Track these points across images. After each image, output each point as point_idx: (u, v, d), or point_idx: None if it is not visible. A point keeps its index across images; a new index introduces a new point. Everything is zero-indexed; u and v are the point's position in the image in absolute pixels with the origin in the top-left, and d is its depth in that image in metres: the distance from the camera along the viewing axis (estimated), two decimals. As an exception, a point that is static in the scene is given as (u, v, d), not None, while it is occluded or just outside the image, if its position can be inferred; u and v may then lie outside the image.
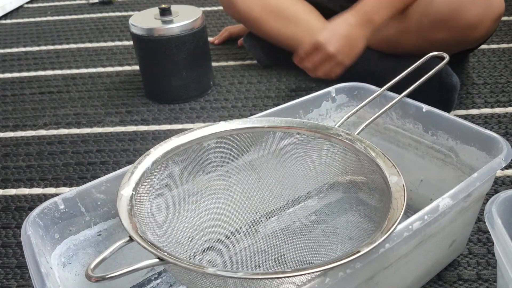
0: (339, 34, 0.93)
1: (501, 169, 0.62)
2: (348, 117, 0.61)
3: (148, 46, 1.02)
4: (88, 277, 0.39)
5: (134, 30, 1.03)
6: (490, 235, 0.66)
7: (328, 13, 1.12)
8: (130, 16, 1.56)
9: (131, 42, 1.38)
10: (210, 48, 1.11)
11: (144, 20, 1.03)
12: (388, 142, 0.70)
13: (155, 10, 1.05)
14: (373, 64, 1.00)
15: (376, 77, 0.97)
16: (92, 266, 0.39)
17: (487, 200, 0.50)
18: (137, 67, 1.24)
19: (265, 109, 0.77)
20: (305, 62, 0.96)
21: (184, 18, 1.02)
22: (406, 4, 0.94)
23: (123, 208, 0.46)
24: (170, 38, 1.01)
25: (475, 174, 0.52)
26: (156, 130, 0.98)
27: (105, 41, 1.41)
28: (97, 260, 0.40)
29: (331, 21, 0.96)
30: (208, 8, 1.61)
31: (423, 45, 0.93)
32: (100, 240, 0.55)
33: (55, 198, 0.52)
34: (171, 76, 1.05)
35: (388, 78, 0.66)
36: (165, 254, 0.41)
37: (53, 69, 1.27)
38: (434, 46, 0.84)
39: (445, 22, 0.89)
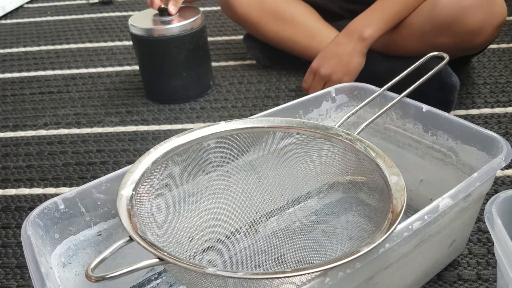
0: (329, 56, 0.97)
1: (501, 169, 0.62)
2: (348, 117, 0.61)
3: (148, 47, 1.02)
4: (88, 277, 0.39)
5: (133, 30, 1.02)
6: (490, 235, 0.66)
7: (327, 14, 1.12)
8: (130, 16, 1.56)
9: (131, 42, 1.38)
10: (210, 48, 1.11)
11: (143, 20, 1.03)
12: (388, 142, 0.70)
13: (155, 10, 1.05)
14: (374, 64, 1.00)
15: (376, 77, 0.97)
16: (92, 266, 0.39)
17: (487, 200, 0.50)
18: (137, 67, 1.24)
19: (265, 109, 0.77)
20: (309, 90, 1.00)
21: (184, 18, 1.02)
22: (400, 16, 0.95)
23: (123, 208, 0.46)
24: (169, 38, 1.00)
25: (475, 174, 0.52)
26: (156, 130, 0.98)
27: (105, 41, 1.41)
28: (97, 260, 0.40)
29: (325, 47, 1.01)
30: (208, 8, 1.61)
31: (425, 49, 0.93)
32: (100, 240, 0.55)
33: (55, 198, 0.52)
34: (171, 76, 1.05)
35: (388, 78, 0.66)
36: (165, 254, 0.41)
37: (53, 69, 1.27)
38: (436, 50, 0.84)
39: (448, 27, 0.90)
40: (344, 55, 0.96)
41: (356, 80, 0.89)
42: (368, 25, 0.94)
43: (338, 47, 0.97)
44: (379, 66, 1.00)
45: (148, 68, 1.07)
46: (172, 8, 1.01)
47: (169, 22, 1.01)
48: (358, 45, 0.95)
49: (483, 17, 0.88)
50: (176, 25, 1.01)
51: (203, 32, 1.06)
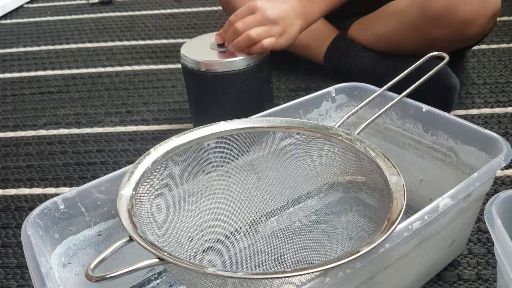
0: (281, 7, 0.84)
1: (501, 169, 0.62)
2: (348, 117, 0.61)
3: (207, 82, 0.82)
4: (88, 277, 0.39)
5: (188, 63, 0.84)
6: (490, 235, 0.66)
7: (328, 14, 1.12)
8: (130, 16, 1.56)
9: (131, 42, 1.38)
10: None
11: (198, 51, 0.85)
12: (388, 142, 0.70)
13: (210, 38, 0.88)
14: (373, 64, 1.00)
15: (376, 77, 0.97)
16: (92, 266, 0.39)
17: (487, 200, 0.50)
18: (137, 67, 1.24)
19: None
20: (237, 23, 0.84)
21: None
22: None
23: (123, 208, 0.46)
24: (234, 73, 0.82)
25: (475, 174, 0.52)
26: (156, 130, 0.98)
27: (105, 41, 1.41)
28: (97, 260, 0.40)
29: None
30: (208, 8, 1.61)
31: (420, 43, 0.93)
32: (100, 240, 0.55)
33: (55, 198, 0.52)
34: (223, 114, 0.85)
35: (388, 78, 0.66)
36: (165, 254, 0.41)
37: (53, 69, 1.27)
38: (431, 44, 0.84)
39: (441, 18, 0.89)
40: (291, 17, 0.85)
41: (356, 80, 0.89)
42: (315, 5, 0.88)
43: (291, 8, 0.85)
44: (379, 66, 1.00)
45: (200, 103, 0.89)
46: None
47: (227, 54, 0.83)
48: (300, 20, 0.86)
49: (476, 7, 0.88)
50: (242, 58, 0.82)
51: (270, 65, 0.87)
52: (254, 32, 0.82)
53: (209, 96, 0.83)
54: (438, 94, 0.90)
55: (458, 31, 0.91)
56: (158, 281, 0.61)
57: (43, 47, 1.40)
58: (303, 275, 0.41)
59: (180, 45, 1.33)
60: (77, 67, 1.27)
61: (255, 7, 0.83)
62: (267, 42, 0.83)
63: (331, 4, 0.90)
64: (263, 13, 0.83)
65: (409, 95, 0.65)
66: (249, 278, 0.40)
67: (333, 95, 0.71)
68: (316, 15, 0.89)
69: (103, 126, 1.01)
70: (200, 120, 0.92)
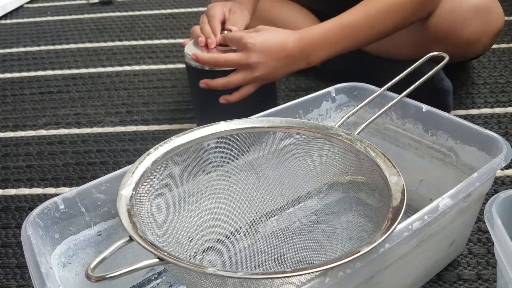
0: (270, 52, 0.79)
1: (501, 169, 0.62)
2: (348, 117, 0.61)
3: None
4: (88, 277, 0.39)
5: (192, 62, 0.84)
6: (490, 235, 0.66)
7: (326, 19, 1.11)
8: (130, 16, 1.56)
9: (131, 42, 1.38)
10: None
11: (202, 49, 0.85)
12: (388, 142, 0.70)
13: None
14: (372, 67, 1.00)
15: (375, 77, 0.97)
16: (92, 266, 0.39)
17: (487, 200, 0.50)
18: (137, 67, 1.24)
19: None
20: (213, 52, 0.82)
21: None
22: (350, 48, 0.84)
23: (123, 208, 0.46)
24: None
25: (475, 174, 0.52)
26: (156, 130, 0.98)
27: (105, 41, 1.41)
28: (97, 260, 0.40)
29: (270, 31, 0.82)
30: (208, 8, 1.61)
31: (421, 55, 0.93)
32: (100, 240, 0.55)
33: (55, 198, 0.52)
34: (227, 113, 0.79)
35: (388, 79, 0.66)
36: (165, 254, 0.41)
37: (53, 69, 1.27)
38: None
39: (442, 38, 0.89)
40: (280, 65, 0.80)
41: (356, 80, 0.89)
42: (317, 48, 0.80)
43: (283, 53, 0.80)
44: (377, 68, 1.00)
45: (205, 102, 0.88)
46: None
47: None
48: (292, 67, 0.81)
49: (479, 28, 0.88)
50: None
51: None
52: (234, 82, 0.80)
53: (214, 93, 0.82)
54: (433, 99, 0.90)
55: (461, 50, 0.90)
56: (158, 281, 0.61)
57: (43, 47, 1.40)
58: (303, 275, 0.41)
59: (180, 45, 1.34)
60: (77, 67, 1.27)
61: (245, 45, 0.78)
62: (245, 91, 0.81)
63: (334, 52, 0.83)
64: (255, 77, 0.79)
65: (407, 97, 0.65)
66: (249, 278, 0.40)
67: (333, 95, 0.71)
68: (317, 61, 0.83)
69: (103, 126, 1.01)
70: (205, 118, 0.91)
